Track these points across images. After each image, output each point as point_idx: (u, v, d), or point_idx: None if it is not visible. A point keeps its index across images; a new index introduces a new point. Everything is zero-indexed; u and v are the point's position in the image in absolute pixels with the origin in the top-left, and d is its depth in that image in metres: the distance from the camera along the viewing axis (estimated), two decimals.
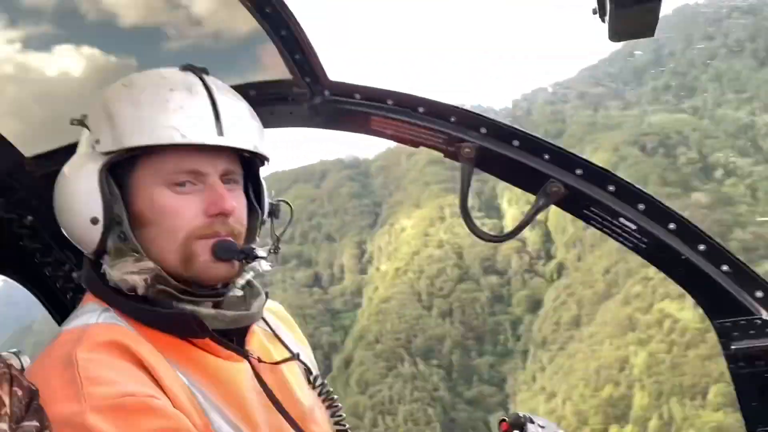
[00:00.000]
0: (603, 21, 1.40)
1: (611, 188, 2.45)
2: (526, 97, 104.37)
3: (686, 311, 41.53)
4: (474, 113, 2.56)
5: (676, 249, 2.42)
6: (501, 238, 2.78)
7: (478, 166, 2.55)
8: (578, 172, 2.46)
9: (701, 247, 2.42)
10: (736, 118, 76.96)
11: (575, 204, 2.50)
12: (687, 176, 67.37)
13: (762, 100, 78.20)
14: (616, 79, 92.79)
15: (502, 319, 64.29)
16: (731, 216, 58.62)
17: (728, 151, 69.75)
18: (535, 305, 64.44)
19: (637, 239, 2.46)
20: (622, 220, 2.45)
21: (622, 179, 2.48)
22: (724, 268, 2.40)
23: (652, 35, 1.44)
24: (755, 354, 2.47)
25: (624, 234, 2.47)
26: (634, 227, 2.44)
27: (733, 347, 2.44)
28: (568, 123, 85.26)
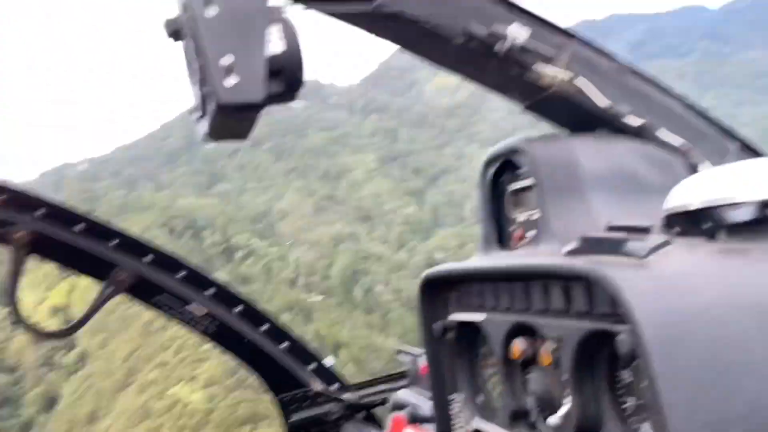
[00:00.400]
0: (199, 121, 1.38)
1: (181, 274, 2.47)
2: (57, 171, 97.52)
3: (196, 393, 43.14)
4: (28, 193, 2.32)
5: (243, 330, 2.56)
6: (60, 333, 2.59)
7: (34, 252, 2.29)
8: (148, 258, 2.42)
9: (264, 327, 2.60)
10: (256, 204, 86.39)
11: (144, 292, 2.46)
12: (211, 257, 71.42)
13: (278, 190, 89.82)
14: (151, 161, 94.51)
15: (9, 425, 55.72)
16: (248, 292, 64.17)
17: (248, 233, 77.16)
18: (50, 402, 58.04)
19: (207, 324, 2.52)
20: (192, 306, 2.48)
21: (193, 266, 2.52)
22: (284, 345, 2.63)
23: (246, 139, 1.43)
24: (311, 422, 2.69)
25: (194, 320, 2.50)
26: (203, 312, 2.48)
27: (292, 419, 2.65)
28: (101, 201, 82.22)
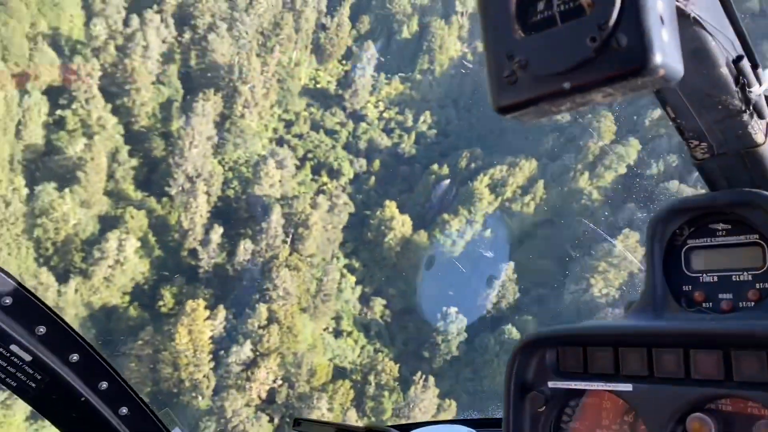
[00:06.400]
0: None
1: (5, 301, 1.86)
2: None
3: None
4: None
5: (76, 389, 2.00)
6: None
7: None
8: None
9: (102, 386, 2.06)
10: None
11: None
12: None
13: None
14: None
15: None
16: None
17: None
18: None
19: (28, 377, 1.92)
20: (14, 348, 1.88)
21: (23, 289, 1.89)
22: (123, 410, 2.10)
23: None
24: None
25: (12, 368, 1.88)
26: (27, 359, 1.91)
27: None
28: None
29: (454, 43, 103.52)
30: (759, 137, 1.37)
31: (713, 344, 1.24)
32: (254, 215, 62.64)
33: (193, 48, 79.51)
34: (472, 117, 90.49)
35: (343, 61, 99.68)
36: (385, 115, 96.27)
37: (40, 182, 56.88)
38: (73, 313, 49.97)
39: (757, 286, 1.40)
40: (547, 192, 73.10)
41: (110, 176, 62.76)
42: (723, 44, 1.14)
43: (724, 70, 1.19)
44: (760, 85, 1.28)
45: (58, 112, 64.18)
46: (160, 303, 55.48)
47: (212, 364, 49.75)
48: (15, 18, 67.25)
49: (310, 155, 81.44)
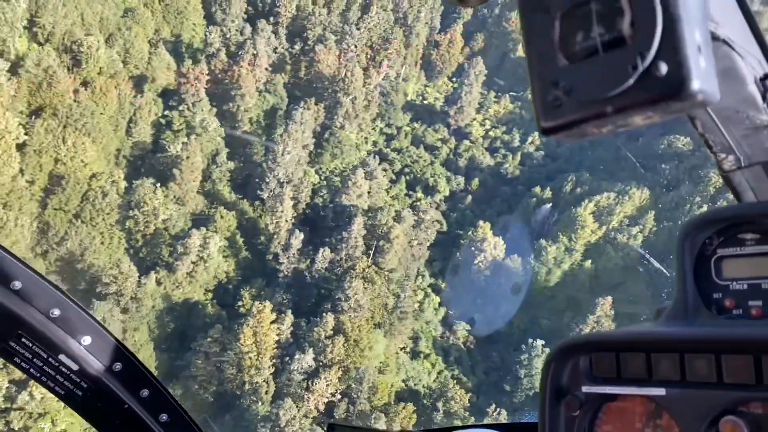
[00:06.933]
0: None
1: (55, 312, 1.91)
2: None
3: None
4: None
5: (119, 397, 2.04)
6: None
7: None
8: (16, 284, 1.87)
9: (144, 393, 2.10)
10: None
11: None
12: None
13: None
14: None
15: None
16: None
17: None
18: None
19: (75, 384, 1.99)
20: (63, 357, 1.94)
21: (71, 300, 1.92)
22: (163, 418, 2.15)
23: None
24: None
25: (61, 376, 1.95)
26: (75, 368, 1.96)
27: None
28: None
29: None
30: None
31: (744, 349, 1.28)
32: (339, 224, 61.93)
33: (302, 59, 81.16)
34: (585, 140, 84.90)
35: (453, 78, 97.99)
36: (490, 133, 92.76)
37: (140, 177, 59.62)
38: (150, 305, 51.31)
39: None
40: (657, 224, 66.49)
41: (207, 177, 64.76)
42: (751, 63, 1.21)
43: (752, 88, 1.25)
44: None
45: (167, 112, 67.39)
46: (240, 303, 55.90)
47: (272, 369, 49.03)
48: (140, 24, 71.85)
49: (407, 170, 79.99)
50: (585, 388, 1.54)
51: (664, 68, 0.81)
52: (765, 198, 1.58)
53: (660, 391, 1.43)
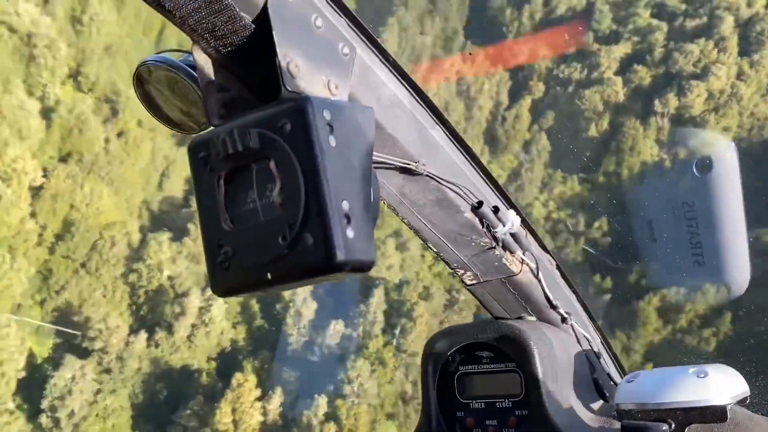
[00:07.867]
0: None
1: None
2: None
3: None
4: None
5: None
6: None
7: None
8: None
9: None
10: None
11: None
12: None
13: None
14: None
15: None
16: None
17: None
18: None
19: None
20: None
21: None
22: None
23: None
24: None
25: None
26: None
27: None
28: None
29: (650, 146, 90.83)
30: (515, 267, 1.50)
31: None
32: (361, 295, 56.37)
33: None
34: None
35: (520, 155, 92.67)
36: (553, 215, 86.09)
37: (160, 231, 57.11)
38: (135, 367, 47.13)
39: (516, 413, 1.50)
40: (734, 327, 56.16)
41: None
42: (463, 193, 1.31)
43: (469, 215, 1.35)
44: (504, 225, 1.43)
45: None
46: (238, 374, 50.71)
47: None
48: None
49: None
50: None
51: (310, 240, 0.79)
52: (510, 309, 1.58)
53: None
